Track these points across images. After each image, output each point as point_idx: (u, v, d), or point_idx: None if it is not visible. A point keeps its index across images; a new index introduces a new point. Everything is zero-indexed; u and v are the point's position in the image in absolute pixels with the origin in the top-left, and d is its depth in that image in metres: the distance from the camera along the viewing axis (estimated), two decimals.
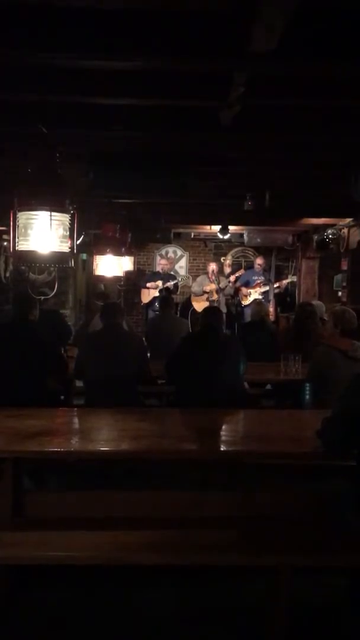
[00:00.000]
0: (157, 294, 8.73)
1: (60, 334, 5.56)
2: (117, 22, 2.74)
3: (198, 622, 2.71)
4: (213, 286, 8.96)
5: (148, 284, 9.05)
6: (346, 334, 3.79)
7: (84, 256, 9.32)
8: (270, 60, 2.69)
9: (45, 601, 2.82)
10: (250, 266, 9.79)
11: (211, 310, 4.50)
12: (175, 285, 9.14)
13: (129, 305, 9.86)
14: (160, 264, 9.57)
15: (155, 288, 8.91)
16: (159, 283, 8.95)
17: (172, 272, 9.91)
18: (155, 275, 9.28)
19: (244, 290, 9.07)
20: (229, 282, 9.07)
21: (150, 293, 9.01)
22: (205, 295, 9.05)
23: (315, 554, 2.53)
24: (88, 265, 9.16)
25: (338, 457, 2.66)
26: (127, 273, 6.92)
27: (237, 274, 9.21)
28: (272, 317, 8.77)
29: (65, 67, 3.18)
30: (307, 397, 3.77)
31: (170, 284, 8.95)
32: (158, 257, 10.91)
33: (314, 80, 3.38)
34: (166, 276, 9.21)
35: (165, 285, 8.84)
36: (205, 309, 4.68)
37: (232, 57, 2.77)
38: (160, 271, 9.38)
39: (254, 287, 9.03)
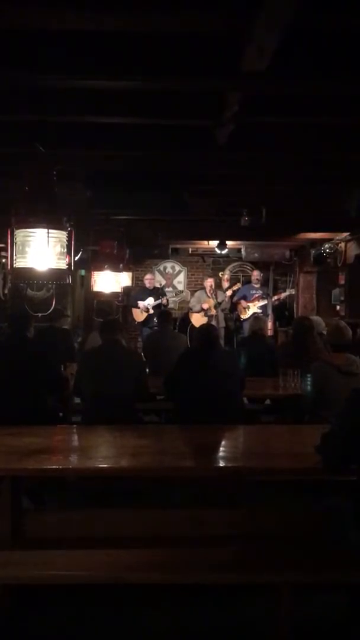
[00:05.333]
0: (151, 311, 8.68)
1: (63, 352, 5.55)
2: (111, 43, 2.79)
3: None
4: (211, 301, 8.97)
5: (140, 304, 8.90)
6: (339, 349, 3.80)
7: (82, 272, 9.34)
8: (262, 79, 2.74)
9: (45, 621, 2.79)
10: (247, 281, 9.82)
11: (208, 326, 4.51)
12: (167, 300, 9.09)
13: (127, 321, 9.85)
14: (147, 279, 9.41)
15: (147, 310, 8.82)
16: (151, 300, 8.88)
17: (167, 288, 9.86)
18: (144, 292, 9.19)
19: (242, 303, 9.09)
20: (226, 296, 9.08)
21: (142, 312, 8.92)
22: (204, 311, 9.06)
23: (315, 572, 2.51)
24: (86, 282, 9.17)
25: (338, 472, 2.65)
26: (125, 289, 6.93)
27: (234, 288, 9.22)
28: (270, 332, 8.78)
29: (61, 88, 3.22)
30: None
31: (164, 300, 8.92)
32: (157, 274, 10.85)
33: (308, 99, 3.43)
34: (155, 291, 9.15)
35: (157, 302, 8.81)
36: (202, 325, 4.69)
37: (225, 77, 2.82)
38: (149, 286, 9.26)
39: (252, 301, 9.05)
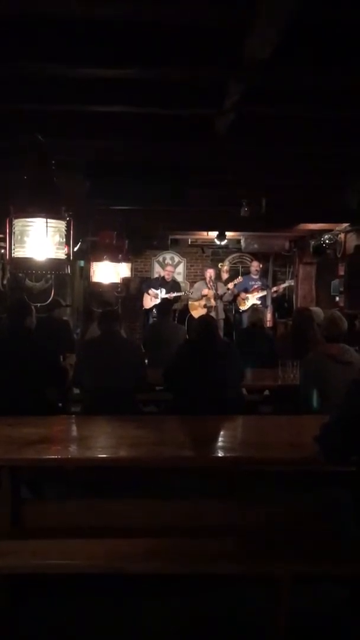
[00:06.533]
0: (159, 300, 8.75)
1: (62, 343, 5.54)
2: (112, 32, 2.76)
3: (198, 632, 2.69)
4: (211, 292, 8.96)
5: (150, 290, 9.06)
6: (334, 339, 3.81)
7: (82, 263, 9.32)
8: (264, 69, 2.71)
9: (45, 611, 2.80)
10: (247, 272, 9.80)
11: (207, 318, 4.51)
12: (176, 298, 9.15)
13: (127, 312, 9.85)
14: (167, 271, 9.53)
15: (156, 297, 8.91)
16: (163, 292, 8.96)
17: (177, 281, 9.90)
18: (160, 282, 9.26)
19: (242, 294, 9.07)
20: (228, 289, 9.05)
21: (152, 299, 9.04)
22: (203, 302, 9.04)
23: (315, 563, 2.52)
24: (85, 273, 9.16)
25: (337, 463, 2.65)
26: (125, 280, 6.92)
27: (235, 282, 9.19)
28: (270, 323, 8.78)
29: (60, 76, 3.19)
30: (315, 405, 3.74)
31: (171, 295, 8.96)
32: (156, 265, 10.88)
33: (308, 89, 3.40)
34: (170, 285, 9.20)
35: (165, 296, 8.85)
36: (201, 317, 4.68)
37: (226, 66, 2.79)
38: (167, 277, 9.35)
39: (251, 292, 9.03)
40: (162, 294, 8.95)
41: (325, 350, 3.78)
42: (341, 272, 8.21)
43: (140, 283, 9.89)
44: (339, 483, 2.69)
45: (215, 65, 2.82)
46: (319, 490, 2.95)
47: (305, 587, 2.71)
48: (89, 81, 3.29)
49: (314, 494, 2.96)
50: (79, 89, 3.36)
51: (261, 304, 8.78)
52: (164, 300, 8.71)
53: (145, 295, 9.22)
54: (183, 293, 9.35)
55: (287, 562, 2.49)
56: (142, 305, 9.35)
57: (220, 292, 8.89)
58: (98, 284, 6.19)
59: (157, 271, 10.23)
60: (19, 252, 3.09)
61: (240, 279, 9.29)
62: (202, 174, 5.38)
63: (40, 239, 3.04)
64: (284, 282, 9.90)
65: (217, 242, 8.79)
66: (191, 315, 9.05)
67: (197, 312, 8.86)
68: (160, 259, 11.23)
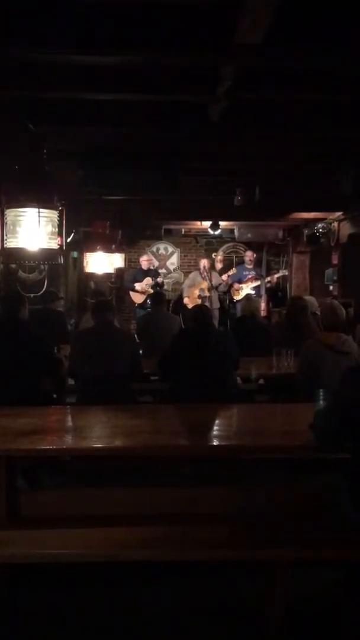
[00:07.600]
0: (151, 291, 8.62)
1: (57, 333, 5.52)
2: (104, 17, 2.73)
3: (196, 618, 2.70)
4: (205, 282, 8.93)
5: (137, 286, 8.79)
6: (332, 328, 3.81)
7: (75, 254, 9.26)
8: (257, 53, 2.69)
9: (43, 600, 2.81)
10: (241, 262, 9.78)
11: (201, 307, 4.50)
12: (162, 281, 9.03)
13: (120, 302, 9.80)
14: (144, 261, 9.33)
15: (144, 292, 8.74)
16: (149, 281, 8.83)
17: (160, 270, 9.78)
18: (140, 273, 9.12)
19: (235, 285, 9.06)
20: (222, 280, 9.02)
21: (143, 290, 8.87)
22: (197, 292, 9.01)
23: (310, 548, 2.53)
24: (79, 264, 9.09)
25: (331, 450, 2.66)
26: (118, 270, 6.89)
27: (229, 273, 9.15)
28: (264, 312, 8.78)
29: (52, 63, 3.16)
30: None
31: (160, 280, 8.88)
32: (145, 255, 10.79)
33: (301, 74, 3.38)
34: (151, 272, 9.09)
35: (154, 282, 8.75)
36: (195, 306, 4.68)
37: (219, 50, 2.77)
38: (145, 268, 9.18)
39: (245, 282, 9.03)
40: (150, 283, 8.80)
41: (324, 339, 3.78)
42: (335, 261, 8.22)
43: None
44: (334, 470, 2.70)
45: (207, 50, 2.80)
46: (314, 477, 2.97)
47: (302, 572, 2.73)
48: (81, 68, 3.26)
49: (309, 481, 2.98)
50: (71, 76, 3.33)
51: (255, 293, 8.77)
52: (156, 290, 8.62)
53: (132, 291, 8.90)
54: (171, 273, 9.24)
55: (282, 548, 2.50)
56: (132, 302, 9.16)
57: (214, 282, 8.87)
58: (91, 275, 6.17)
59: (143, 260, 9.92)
60: (11, 243, 3.07)
61: (233, 270, 9.25)
62: (195, 163, 5.36)
63: (33, 229, 3.02)
64: (278, 272, 9.89)
65: (211, 232, 8.77)
66: (185, 305, 9.02)
67: (192, 302, 8.83)
68: (154, 249, 11.19)
